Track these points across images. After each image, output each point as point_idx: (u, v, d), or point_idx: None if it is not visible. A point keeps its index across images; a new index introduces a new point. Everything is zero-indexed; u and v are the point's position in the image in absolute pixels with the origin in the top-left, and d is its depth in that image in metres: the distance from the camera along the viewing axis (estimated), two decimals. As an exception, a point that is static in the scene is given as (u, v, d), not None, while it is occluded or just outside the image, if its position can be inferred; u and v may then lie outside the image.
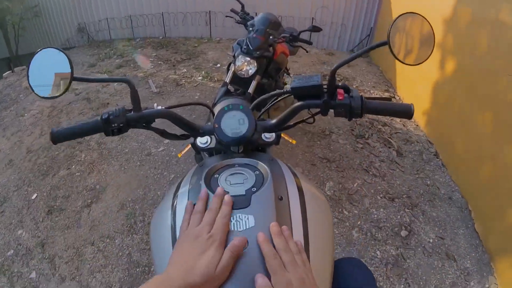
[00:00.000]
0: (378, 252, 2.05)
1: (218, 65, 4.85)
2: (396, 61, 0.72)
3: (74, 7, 7.00)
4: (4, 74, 6.05)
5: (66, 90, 0.73)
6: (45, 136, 3.35)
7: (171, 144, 2.96)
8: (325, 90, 0.78)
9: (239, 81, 2.38)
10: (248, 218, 0.60)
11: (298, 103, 0.81)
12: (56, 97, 0.74)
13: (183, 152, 1.12)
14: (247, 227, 0.59)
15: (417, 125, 3.36)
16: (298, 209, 0.67)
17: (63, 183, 2.66)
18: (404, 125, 3.34)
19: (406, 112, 0.76)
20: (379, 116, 0.72)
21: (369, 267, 1.92)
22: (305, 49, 2.74)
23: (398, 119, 3.37)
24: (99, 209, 2.39)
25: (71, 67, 0.71)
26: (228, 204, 0.62)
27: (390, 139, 3.08)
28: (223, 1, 2.83)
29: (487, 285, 1.91)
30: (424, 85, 3.28)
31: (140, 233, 2.18)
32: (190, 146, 0.95)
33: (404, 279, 1.92)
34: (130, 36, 6.75)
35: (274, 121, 0.87)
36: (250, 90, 2.32)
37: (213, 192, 0.66)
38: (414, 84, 3.61)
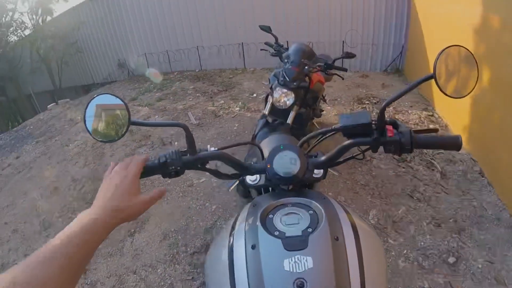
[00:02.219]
0: (425, 282, 1.94)
1: (254, 95, 4.96)
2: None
3: (113, 43, 7.50)
4: (48, 106, 6.49)
5: (124, 134, 0.76)
6: (89, 166, 3.52)
7: (212, 176, 2.98)
8: (374, 127, 0.78)
9: (278, 112, 2.41)
10: (306, 260, 0.61)
11: (348, 142, 0.81)
12: (115, 140, 0.77)
13: (232, 187, 1.16)
14: (306, 269, 0.60)
15: (460, 143, 3.21)
16: (354, 250, 0.67)
17: (108, 213, 2.76)
18: (446, 144, 3.22)
19: (454, 144, 0.76)
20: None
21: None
22: (340, 76, 2.75)
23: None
24: (142, 238, 2.45)
25: (128, 112, 0.75)
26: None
27: (432, 161, 2.96)
28: (255, 32, 2.99)
29: (537, 311, 1.76)
30: (462, 100, 3.11)
31: (182, 263, 2.20)
32: (238, 181, 0.98)
33: (453, 309, 1.81)
34: (168, 70, 7.09)
35: (323, 158, 0.88)
36: (289, 120, 2.35)
37: (270, 233, 0.68)
38: (453, 101, 3.45)
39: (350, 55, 2.40)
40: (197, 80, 6.02)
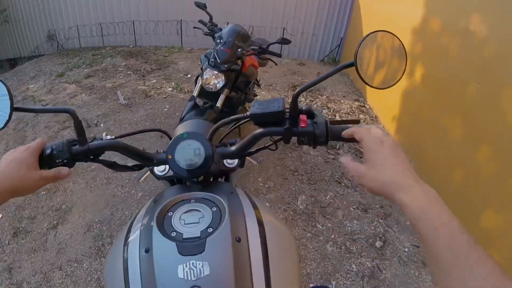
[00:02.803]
0: (353, 266, 2.05)
1: (189, 75, 4.80)
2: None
3: (45, 13, 6.75)
4: (-32, 83, 5.70)
5: (7, 123, 0.66)
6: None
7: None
8: (287, 116, 0.72)
9: (207, 95, 2.35)
10: (202, 266, 0.56)
11: (258, 131, 0.75)
12: None
13: (142, 178, 1.06)
14: (202, 276, 0.55)
15: (388, 134, 3.41)
16: (259, 250, 0.63)
17: (28, 203, 2.53)
18: (374, 134, 3.41)
19: None
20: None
21: (345, 281, 1.92)
22: (274, 62, 2.74)
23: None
24: (66, 230, 2.28)
25: (11, 97, 0.65)
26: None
27: (361, 149, 3.11)
28: (195, 10, 2.81)
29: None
30: (394, 94, 3.35)
31: (108, 256, 2.09)
32: (149, 171, 0.89)
33: (381, 291, 1.92)
34: (100, 45, 6.60)
35: (233, 148, 0.81)
36: (219, 103, 2.30)
37: (165, 235, 0.62)
38: (384, 93, 3.67)
39: (285, 41, 2.39)
40: (130, 56, 5.67)
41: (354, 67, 0.64)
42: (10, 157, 0.65)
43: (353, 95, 4.37)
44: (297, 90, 0.70)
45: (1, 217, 2.45)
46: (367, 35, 0.64)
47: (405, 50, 0.68)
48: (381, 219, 2.39)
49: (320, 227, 2.30)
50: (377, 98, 3.93)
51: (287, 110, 0.73)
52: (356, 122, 0.79)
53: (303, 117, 0.72)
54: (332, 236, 2.24)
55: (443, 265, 0.42)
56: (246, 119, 0.79)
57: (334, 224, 2.33)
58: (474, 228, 2.07)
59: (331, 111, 3.82)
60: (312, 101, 4.07)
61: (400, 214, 2.45)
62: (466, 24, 2.40)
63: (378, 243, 2.19)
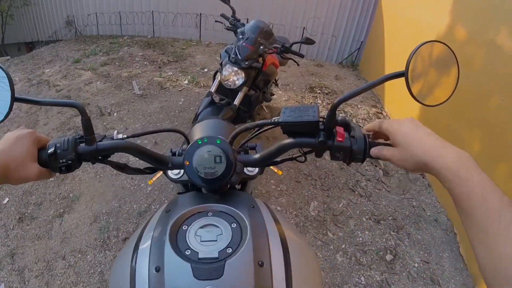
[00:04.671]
0: (362, 278, 1.98)
1: (206, 69, 4.75)
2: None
3: (64, -3, 6.81)
4: (-15, 65, 5.76)
5: (7, 115, 0.59)
6: (20, 135, 3.18)
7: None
8: (322, 127, 0.65)
9: (225, 91, 2.30)
10: None
11: (287, 141, 0.67)
12: None
13: (153, 179, 1.00)
14: None
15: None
16: (282, 274, 0.56)
17: (36, 189, 2.51)
18: (391, 144, 3.33)
19: None
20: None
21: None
22: (296, 62, 2.67)
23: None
24: (71, 220, 2.25)
25: (12, 86, 0.58)
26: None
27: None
28: (215, 4, 2.73)
29: (470, 311, 1.88)
30: (412, 101, 3.23)
31: (113, 250, 2.05)
32: (161, 172, 0.83)
33: (388, 306, 1.86)
34: (118, 33, 6.61)
35: (257, 156, 0.74)
36: (236, 101, 2.24)
37: (179, 253, 0.55)
38: (402, 100, 3.59)
39: (309, 41, 2.30)
40: (148, 47, 5.65)
41: (403, 78, 0.59)
42: (15, 135, 0.59)
43: (370, 101, 4.27)
44: (337, 99, 0.62)
45: (8, 201, 2.43)
46: (420, 45, 0.59)
47: (457, 63, 0.61)
48: (393, 231, 2.32)
49: (331, 235, 2.23)
50: (395, 105, 3.84)
51: (321, 119, 0.65)
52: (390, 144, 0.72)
53: (340, 129, 0.64)
54: (343, 246, 2.17)
55: (479, 226, 0.44)
56: (275, 126, 0.71)
57: (346, 233, 2.26)
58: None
59: (348, 115, 3.73)
60: (329, 104, 3.98)
61: (413, 228, 2.36)
62: (493, 36, 2.30)
63: (388, 257, 2.12)
